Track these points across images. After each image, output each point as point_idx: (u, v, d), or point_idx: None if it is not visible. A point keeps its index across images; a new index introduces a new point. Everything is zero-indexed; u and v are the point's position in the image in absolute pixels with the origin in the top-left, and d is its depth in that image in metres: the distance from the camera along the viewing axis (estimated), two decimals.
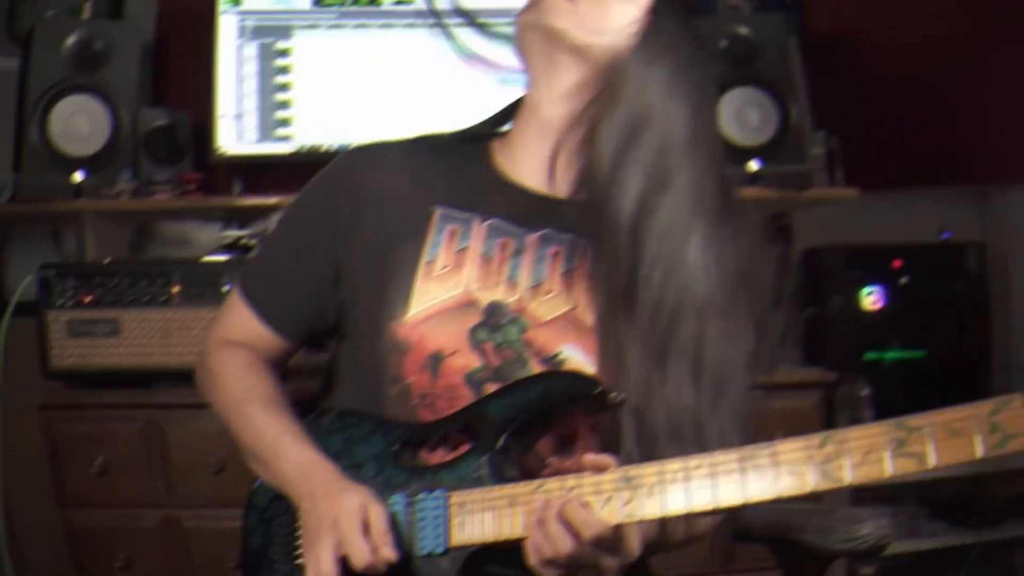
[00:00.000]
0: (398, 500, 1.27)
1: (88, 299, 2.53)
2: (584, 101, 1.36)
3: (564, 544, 1.13)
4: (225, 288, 2.53)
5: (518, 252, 1.38)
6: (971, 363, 3.19)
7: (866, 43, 3.52)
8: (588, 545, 1.13)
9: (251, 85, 2.95)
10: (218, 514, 2.46)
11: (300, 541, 1.34)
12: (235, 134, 2.94)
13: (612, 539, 1.15)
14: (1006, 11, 3.25)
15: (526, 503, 1.18)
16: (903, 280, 3.17)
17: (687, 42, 1.36)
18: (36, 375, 2.58)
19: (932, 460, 1.04)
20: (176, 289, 2.54)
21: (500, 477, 1.24)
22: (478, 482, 1.24)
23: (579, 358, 1.33)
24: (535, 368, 1.32)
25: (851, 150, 3.15)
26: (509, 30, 1.44)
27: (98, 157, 2.81)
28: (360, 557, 1.20)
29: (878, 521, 1.51)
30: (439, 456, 1.32)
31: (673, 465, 1.14)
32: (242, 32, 2.95)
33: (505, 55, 1.47)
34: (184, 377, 2.49)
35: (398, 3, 3.01)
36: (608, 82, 1.33)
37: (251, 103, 2.95)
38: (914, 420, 1.06)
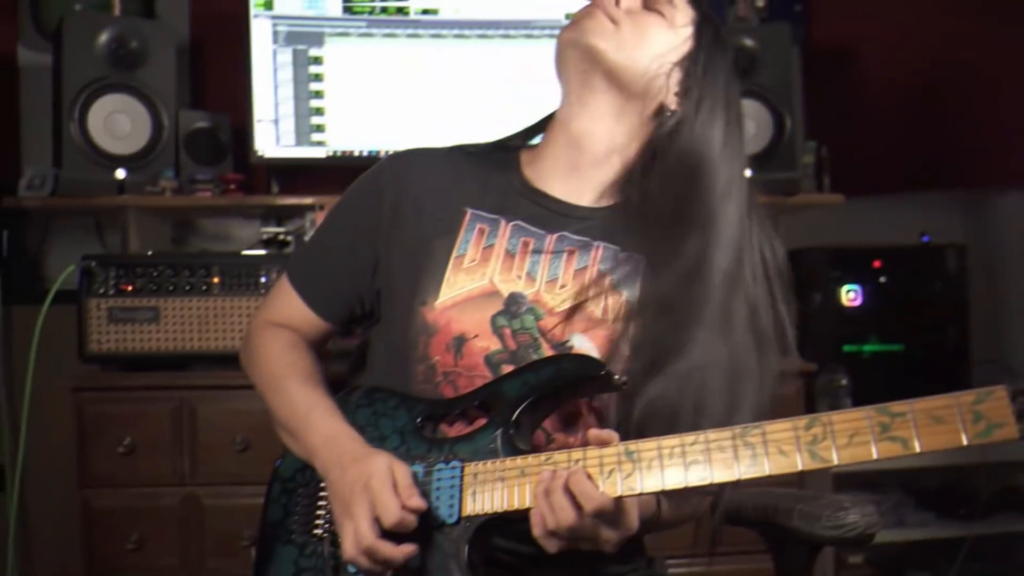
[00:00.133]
0: (417, 470, 1.30)
1: (129, 288, 2.57)
2: (619, 125, 1.44)
3: (567, 515, 1.16)
4: (263, 280, 2.60)
5: (538, 250, 1.44)
6: (948, 357, 3.23)
7: (863, 54, 3.54)
8: (589, 517, 1.16)
9: (287, 91, 2.97)
10: (238, 491, 2.51)
11: (321, 512, 1.38)
12: (273, 138, 2.97)
13: (613, 512, 1.18)
14: (1001, 28, 3.27)
15: (535, 474, 1.22)
16: (882, 279, 3.24)
17: (734, 83, 1.48)
18: (68, 361, 2.61)
19: (916, 445, 1.06)
20: (216, 280, 2.59)
21: (512, 449, 1.29)
22: (492, 454, 1.29)
23: (586, 345, 1.39)
24: (547, 353, 1.38)
25: (839, 157, 3.18)
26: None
27: (139, 155, 2.84)
28: (392, 512, 1.23)
29: (864, 509, 1.49)
30: (457, 429, 1.37)
31: (671, 441, 1.18)
32: (276, 38, 2.97)
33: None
34: (218, 360, 2.59)
35: (425, 12, 3.03)
36: (663, 129, 1.42)
37: (287, 108, 2.97)
38: (897, 406, 1.08)
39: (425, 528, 1.26)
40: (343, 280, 1.51)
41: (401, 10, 3.01)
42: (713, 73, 1.43)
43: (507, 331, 1.40)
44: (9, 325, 2.95)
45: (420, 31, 3.02)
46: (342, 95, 3.00)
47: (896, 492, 3.27)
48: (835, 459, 1.10)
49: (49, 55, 2.92)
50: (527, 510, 1.21)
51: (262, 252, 2.77)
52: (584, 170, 1.46)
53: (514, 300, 1.41)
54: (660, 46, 1.42)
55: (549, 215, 1.46)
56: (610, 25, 1.41)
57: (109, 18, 2.88)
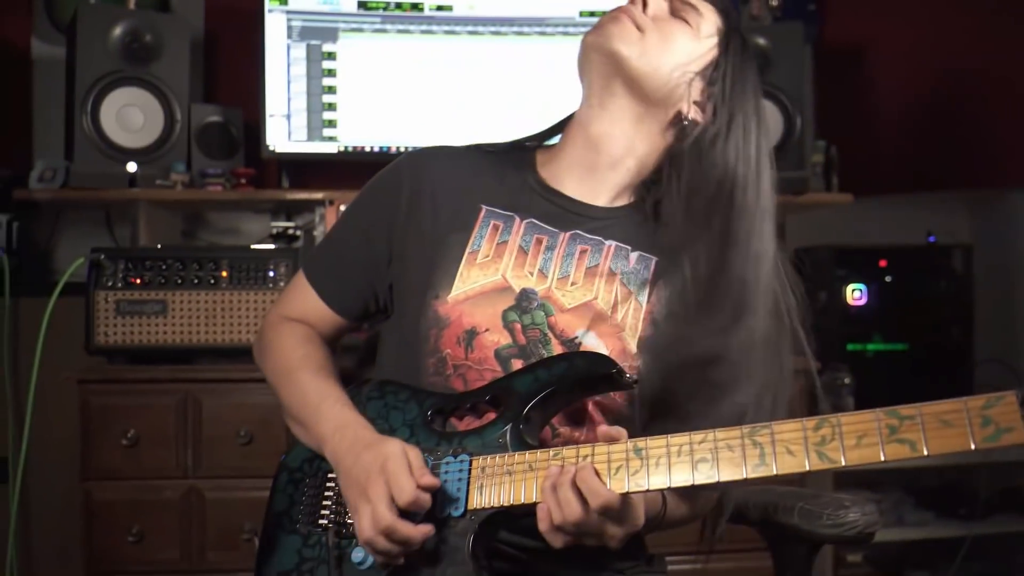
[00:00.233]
0: (426, 462, 1.31)
1: (138, 281, 2.58)
2: (638, 131, 1.45)
3: (573, 510, 1.17)
4: (271, 274, 2.61)
5: (550, 248, 1.45)
6: (951, 357, 3.22)
7: (874, 54, 3.53)
8: (595, 512, 1.17)
9: (299, 86, 2.97)
10: (240, 484, 2.51)
11: (327, 503, 1.38)
12: (285, 133, 2.97)
13: (619, 508, 1.18)
14: (1011, 30, 3.26)
15: (542, 469, 1.23)
16: (888, 278, 3.24)
17: (760, 94, 1.47)
18: (74, 353, 2.62)
19: (924, 448, 1.06)
20: (225, 273, 2.60)
21: (521, 444, 1.29)
22: (501, 448, 1.29)
23: (593, 341, 1.40)
24: (556, 348, 1.39)
25: (848, 157, 3.17)
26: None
27: (151, 149, 2.85)
28: (408, 492, 1.23)
29: (864, 507, 1.49)
30: (467, 424, 1.37)
31: (679, 439, 1.18)
32: (290, 32, 2.97)
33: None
34: (225, 353, 2.58)
35: (439, 9, 3.03)
36: (690, 140, 1.42)
37: (300, 103, 2.98)
38: (906, 409, 1.08)
39: (431, 520, 1.26)
40: (358, 275, 1.52)
41: (415, 6, 3.02)
42: (743, 86, 1.43)
43: (517, 326, 1.40)
44: (16, 316, 2.95)
45: (434, 27, 3.02)
46: (355, 90, 3.00)
47: (896, 491, 3.27)
48: (843, 460, 1.10)
49: (63, 48, 2.93)
50: (533, 505, 1.21)
51: (271, 246, 2.76)
52: (600, 171, 1.47)
53: (525, 296, 1.42)
54: (684, 55, 1.43)
55: (563, 214, 1.47)
56: (635, 32, 1.41)
57: (123, 11, 2.88)
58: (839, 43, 3.50)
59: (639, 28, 1.41)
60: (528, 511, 1.22)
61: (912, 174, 3.46)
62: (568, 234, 1.46)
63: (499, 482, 1.25)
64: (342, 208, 2.81)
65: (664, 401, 1.34)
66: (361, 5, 3.00)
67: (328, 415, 1.38)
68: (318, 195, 2.92)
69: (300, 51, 2.97)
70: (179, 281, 2.58)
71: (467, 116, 2.99)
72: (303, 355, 1.48)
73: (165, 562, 2.53)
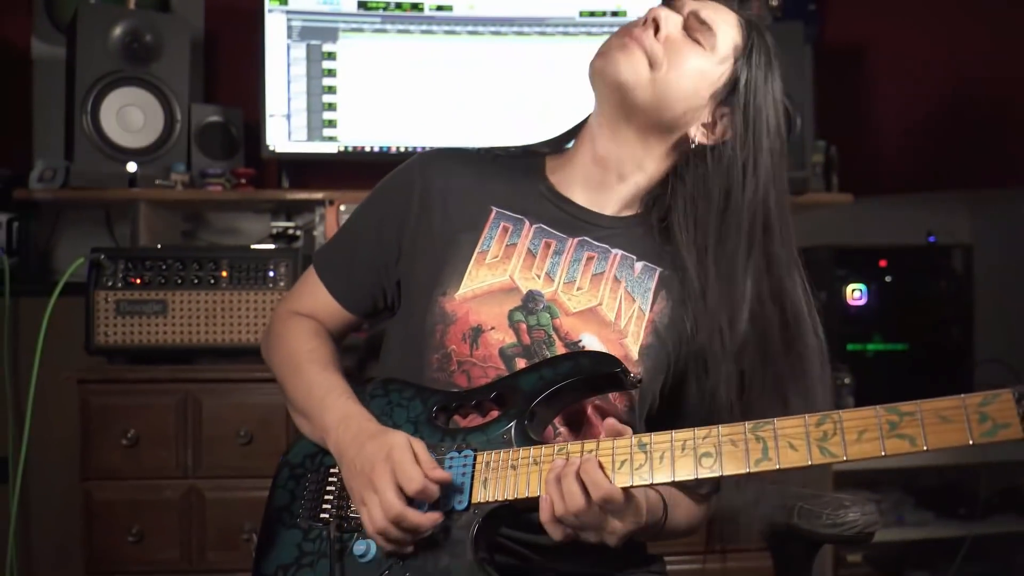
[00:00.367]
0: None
1: (138, 281, 2.58)
2: (648, 152, 1.46)
3: (576, 502, 1.18)
4: (271, 274, 2.62)
5: (558, 252, 1.48)
6: (951, 357, 3.24)
7: (874, 54, 3.54)
8: (597, 504, 1.18)
9: (299, 86, 2.98)
10: (240, 484, 2.51)
11: (329, 497, 1.39)
12: (285, 133, 2.98)
13: (621, 503, 1.20)
14: (1012, 30, 3.27)
15: (547, 463, 1.24)
16: (888, 278, 3.25)
17: (782, 110, 1.49)
18: (74, 353, 2.62)
19: (924, 443, 1.08)
20: (225, 273, 2.60)
21: (526, 440, 1.31)
22: (505, 444, 1.30)
23: (596, 345, 1.42)
24: (560, 350, 1.41)
25: (848, 157, 3.18)
26: None
27: (151, 149, 2.86)
28: (416, 480, 1.25)
29: (864, 507, 1.50)
30: (471, 421, 1.39)
31: (683, 434, 1.20)
32: (290, 32, 2.98)
33: None
34: (225, 353, 2.59)
35: (439, 9, 3.04)
36: (707, 161, 1.44)
37: (300, 103, 2.98)
38: (906, 406, 1.11)
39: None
40: (367, 271, 1.53)
41: (415, 6, 3.02)
42: (765, 110, 1.43)
43: (523, 326, 1.42)
44: (16, 316, 2.95)
45: (434, 27, 3.03)
46: (355, 90, 3.01)
47: (896, 491, 3.28)
48: (844, 455, 1.11)
49: (63, 48, 2.94)
50: (536, 500, 1.22)
51: (271, 246, 2.77)
52: (608, 184, 1.49)
53: (532, 297, 1.44)
54: (698, 82, 1.41)
55: (572, 220, 1.49)
56: (645, 67, 1.39)
57: (124, 11, 2.89)
58: (839, 43, 3.51)
59: (651, 63, 1.39)
60: (531, 506, 1.23)
61: (912, 174, 3.47)
62: (576, 240, 1.48)
63: (503, 476, 1.27)
64: (342, 208, 2.82)
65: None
66: (361, 5, 3.01)
67: (332, 406, 1.40)
68: (318, 195, 2.93)
69: (300, 51, 2.98)
70: (179, 281, 2.59)
71: (467, 116, 3.00)
72: (311, 349, 1.50)
73: (165, 562, 2.54)
